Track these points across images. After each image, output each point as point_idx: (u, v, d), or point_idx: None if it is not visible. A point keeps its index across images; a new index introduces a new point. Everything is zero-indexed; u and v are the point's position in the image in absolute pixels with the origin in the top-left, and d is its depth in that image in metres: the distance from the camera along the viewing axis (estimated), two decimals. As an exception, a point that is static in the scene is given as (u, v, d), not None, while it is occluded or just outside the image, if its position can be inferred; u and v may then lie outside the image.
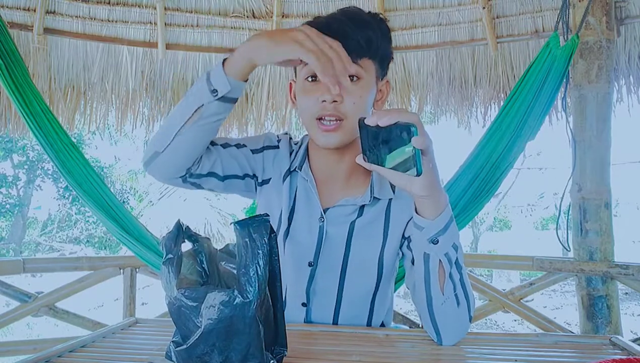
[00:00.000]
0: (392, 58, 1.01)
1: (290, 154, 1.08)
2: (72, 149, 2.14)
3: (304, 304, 1.02)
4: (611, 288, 2.08)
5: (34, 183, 11.83)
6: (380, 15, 0.97)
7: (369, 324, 1.04)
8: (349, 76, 0.90)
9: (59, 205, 12.47)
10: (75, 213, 11.94)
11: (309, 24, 0.92)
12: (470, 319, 0.89)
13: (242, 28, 2.71)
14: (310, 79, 0.94)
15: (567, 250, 2.21)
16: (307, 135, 1.09)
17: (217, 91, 0.86)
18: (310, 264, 1.01)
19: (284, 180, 1.05)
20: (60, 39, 2.54)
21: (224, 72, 0.86)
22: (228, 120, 2.85)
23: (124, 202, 11.00)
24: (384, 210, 1.02)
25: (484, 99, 2.72)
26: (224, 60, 0.88)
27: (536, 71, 2.04)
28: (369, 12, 0.96)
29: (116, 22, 2.59)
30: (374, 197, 1.00)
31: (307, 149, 1.06)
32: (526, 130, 2.08)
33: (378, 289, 1.03)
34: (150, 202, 11.57)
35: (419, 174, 0.71)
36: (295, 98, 1.02)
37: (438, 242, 0.82)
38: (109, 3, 2.56)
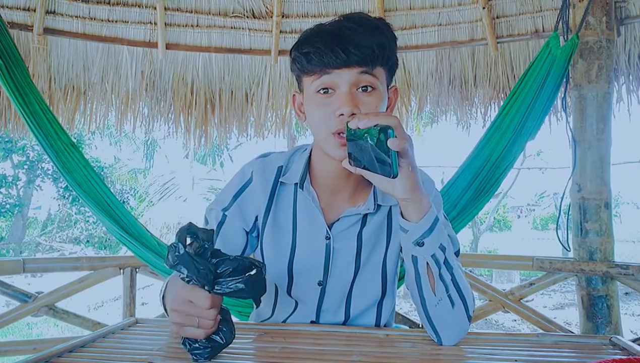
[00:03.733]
0: (398, 64, 0.97)
1: (279, 168, 1.03)
2: (72, 149, 2.14)
3: (313, 322, 1.03)
4: (611, 288, 2.07)
5: (34, 183, 11.81)
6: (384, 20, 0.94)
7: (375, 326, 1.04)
8: (363, 87, 0.87)
9: (59, 205, 12.46)
10: (75, 213, 11.92)
11: (313, 32, 0.89)
12: (469, 319, 0.88)
13: (242, 28, 2.71)
14: (322, 92, 0.88)
15: (567, 250, 2.21)
16: (302, 146, 1.06)
17: None
18: (320, 284, 1.00)
19: (272, 195, 1.01)
20: (60, 39, 2.54)
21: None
22: (228, 120, 2.86)
23: (124, 202, 11.00)
24: (386, 217, 1.01)
25: (484, 99, 2.72)
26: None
27: (536, 71, 2.04)
28: (375, 17, 0.92)
29: (116, 22, 2.58)
30: (378, 204, 0.99)
31: (307, 163, 1.00)
32: (526, 130, 2.08)
33: (385, 295, 1.03)
34: (151, 202, 11.57)
35: (394, 176, 0.72)
36: (302, 111, 0.96)
37: (424, 244, 0.82)
38: (109, 3, 2.56)
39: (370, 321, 1.04)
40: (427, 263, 0.84)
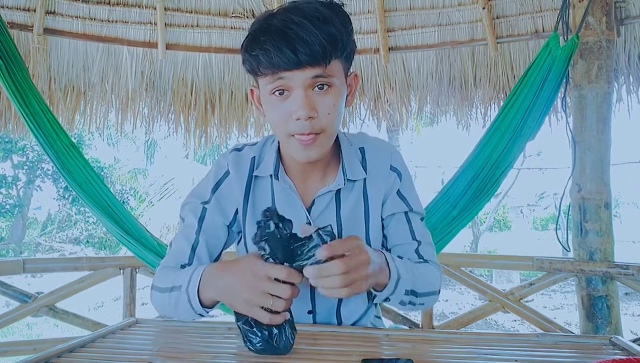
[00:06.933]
0: (356, 47, 0.93)
1: (252, 159, 1.02)
2: (72, 150, 2.14)
3: (310, 311, 1.03)
4: (611, 289, 2.07)
5: (33, 183, 11.82)
6: (336, 2, 0.88)
7: (368, 300, 1.07)
8: (319, 86, 0.85)
9: (58, 205, 12.45)
10: (75, 214, 11.92)
11: (261, 28, 0.84)
12: (437, 293, 1.01)
13: (242, 28, 2.71)
14: (277, 93, 0.86)
15: (567, 250, 2.21)
16: (271, 136, 1.05)
17: (202, 315, 0.91)
18: None
19: (248, 189, 1.01)
20: (60, 39, 2.54)
21: (201, 303, 0.87)
22: (228, 120, 2.86)
23: (124, 202, 11.01)
24: (362, 193, 1.01)
25: (483, 99, 2.72)
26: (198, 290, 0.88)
27: (536, 71, 2.04)
28: (323, 1, 0.85)
29: (116, 22, 2.59)
30: (348, 180, 0.99)
31: (278, 151, 1.01)
32: (526, 130, 2.08)
33: None
34: (151, 202, 11.56)
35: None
36: (261, 105, 0.94)
37: (389, 300, 0.91)
38: (109, 3, 2.56)
39: (363, 298, 1.06)
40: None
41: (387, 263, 0.87)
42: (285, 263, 0.75)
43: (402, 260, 0.94)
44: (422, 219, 1.06)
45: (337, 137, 1.02)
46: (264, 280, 0.75)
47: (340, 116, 0.92)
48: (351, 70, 0.95)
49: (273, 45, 0.81)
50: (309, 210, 0.99)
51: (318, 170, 1.00)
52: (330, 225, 0.76)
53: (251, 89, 0.97)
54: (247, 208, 1.01)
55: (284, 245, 0.75)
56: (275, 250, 0.74)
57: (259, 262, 0.76)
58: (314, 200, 0.99)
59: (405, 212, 1.03)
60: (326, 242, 0.74)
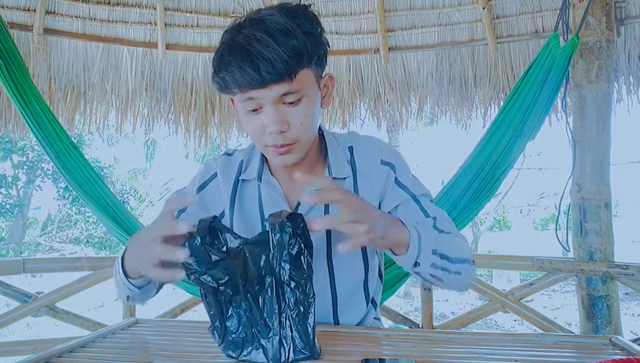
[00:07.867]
0: (328, 47, 0.92)
1: (241, 163, 1.04)
2: (72, 149, 2.14)
3: None
4: (611, 289, 2.07)
5: (33, 183, 11.81)
6: (301, 6, 0.87)
7: (366, 305, 1.05)
8: (289, 103, 0.86)
9: (58, 205, 12.44)
10: (75, 214, 11.92)
11: (227, 47, 0.85)
12: (472, 263, 0.95)
13: (242, 28, 2.71)
14: (249, 109, 0.89)
15: (566, 250, 2.21)
16: None
17: (132, 290, 0.90)
18: None
19: (234, 192, 1.02)
20: (60, 39, 2.54)
21: (127, 276, 0.89)
22: (228, 120, 2.86)
23: (124, 202, 11.00)
24: (352, 191, 1.00)
25: (483, 99, 2.72)
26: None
27: (536, 71, 2.04)
28: (286, 9, 0.85)
29: (116, 22, 2.59)
30: (333, 178, 0.99)
31: (263, 155, 1.01)
32: (526, 130, 2.08)
33: (368, 271, 1.03)
34: (151, 202, 11.57)
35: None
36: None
37: (419, 264, 0.86)
38: (109, 3, 2.56)
39: (360, 298, 1.04)
40: (430, 273, 0.88)
41: (400, 221, 0.85)
42: (210, 274, 0.73)
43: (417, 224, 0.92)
44: (431, 201, 1.04)
45: (324, 136, 1.03)
46: (149, 240, 0.75)
47: (315, 121, 0.93)
48: (325, 73, 0.95)
49: (237, 66, 0.82)
50: (295, 210, 0.99)
51: (304, 171, 0.99)
52: (301, 214, 0.77)
53: (231, 98, 0.97)
54: (235, 212, 1.02)
55: (209, 257, 0.74)
56: (200, 263, 0.73)
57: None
58: (299, 202, 0.99)
59: (411, 198, 1.01)
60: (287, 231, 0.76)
